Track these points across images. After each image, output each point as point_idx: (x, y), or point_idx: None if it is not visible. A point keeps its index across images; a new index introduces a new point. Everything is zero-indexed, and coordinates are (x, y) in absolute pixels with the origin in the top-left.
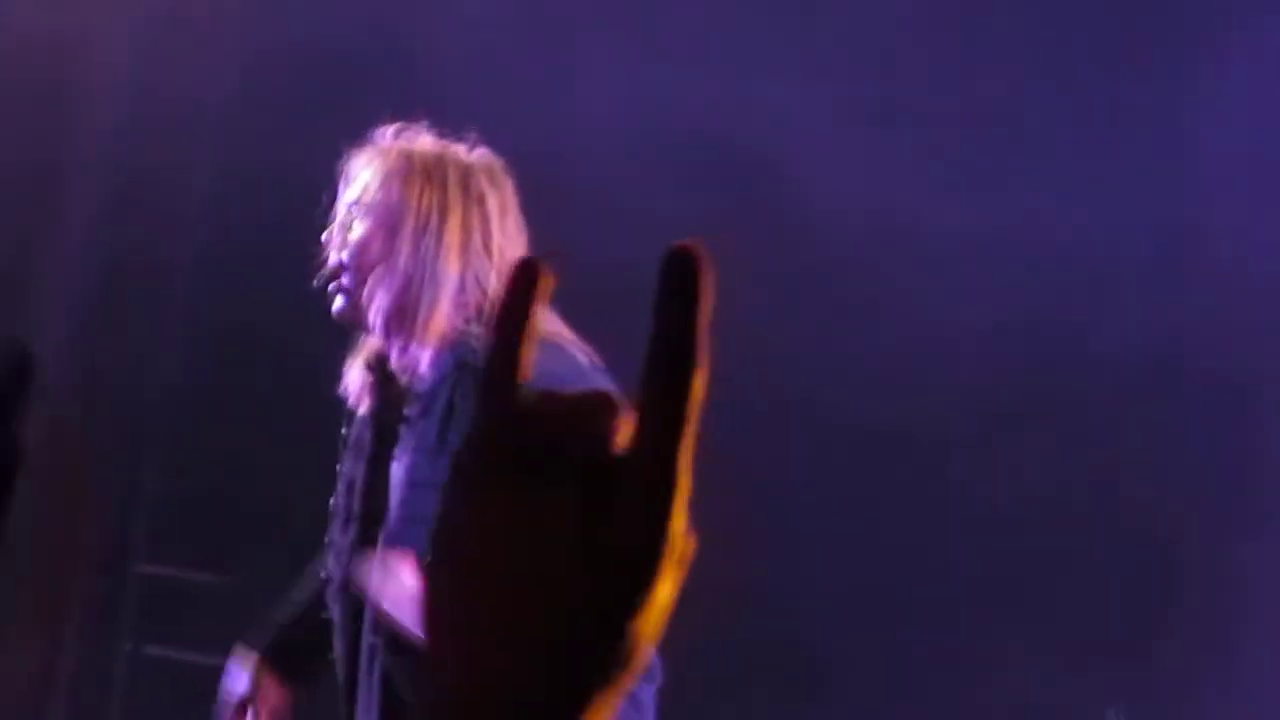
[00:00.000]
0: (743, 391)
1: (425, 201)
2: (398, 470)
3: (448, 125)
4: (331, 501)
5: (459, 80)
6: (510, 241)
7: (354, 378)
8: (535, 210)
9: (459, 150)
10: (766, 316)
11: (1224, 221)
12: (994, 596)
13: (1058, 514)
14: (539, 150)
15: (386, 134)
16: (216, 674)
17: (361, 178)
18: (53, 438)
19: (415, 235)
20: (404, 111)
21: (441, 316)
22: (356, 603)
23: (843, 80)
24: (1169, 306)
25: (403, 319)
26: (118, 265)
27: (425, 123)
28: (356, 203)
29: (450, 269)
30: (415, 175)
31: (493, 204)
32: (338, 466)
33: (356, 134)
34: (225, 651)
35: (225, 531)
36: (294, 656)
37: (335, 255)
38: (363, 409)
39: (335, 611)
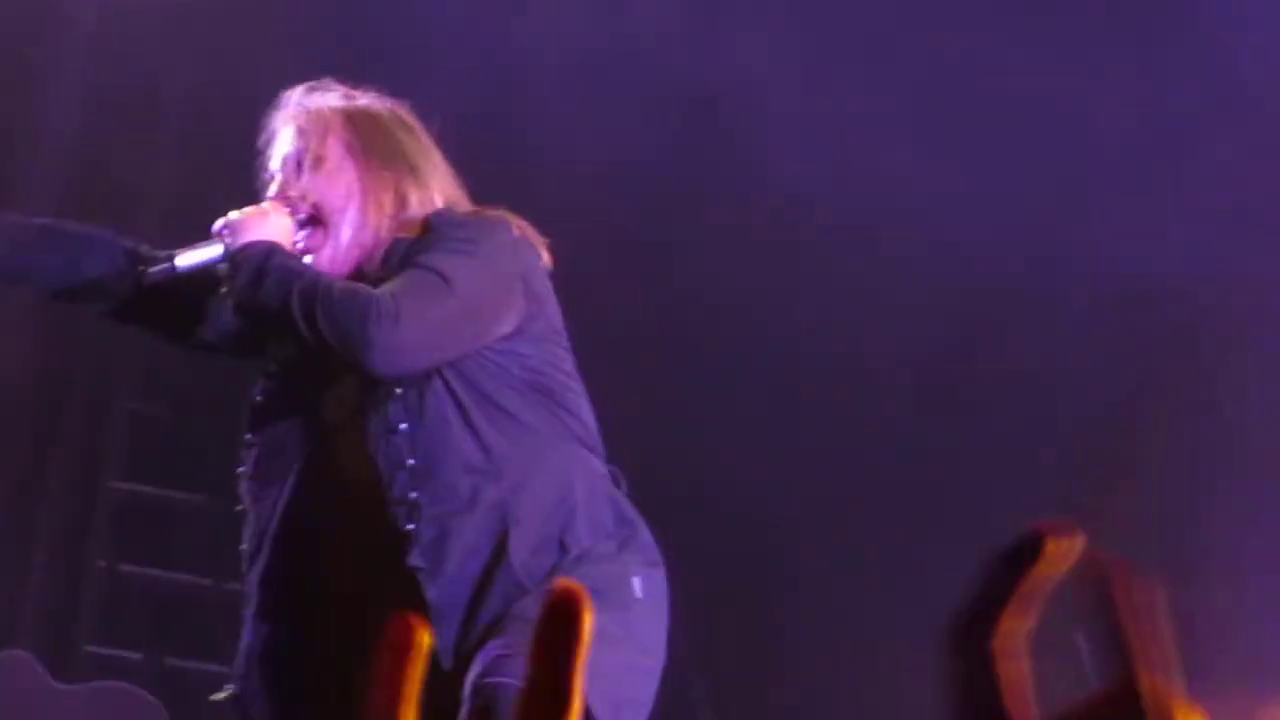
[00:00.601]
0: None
1: (366, 143)
2: None
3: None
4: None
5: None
6: (441, 172)
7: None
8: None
9: (371, 98)
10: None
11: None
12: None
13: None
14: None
15: (298, 93)
16: (194, 592)
17: (291, 136)
18: (26, 355)
19: (364, 176)
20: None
21: (389, 236)
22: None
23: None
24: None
25: (368, 254)
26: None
27: (330, 79)
28: (296, 162)
29: (397, 196)
30: (350, 123)
31: (421, 135)
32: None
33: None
34: (202, 570)
35: (201, 449)
36: None
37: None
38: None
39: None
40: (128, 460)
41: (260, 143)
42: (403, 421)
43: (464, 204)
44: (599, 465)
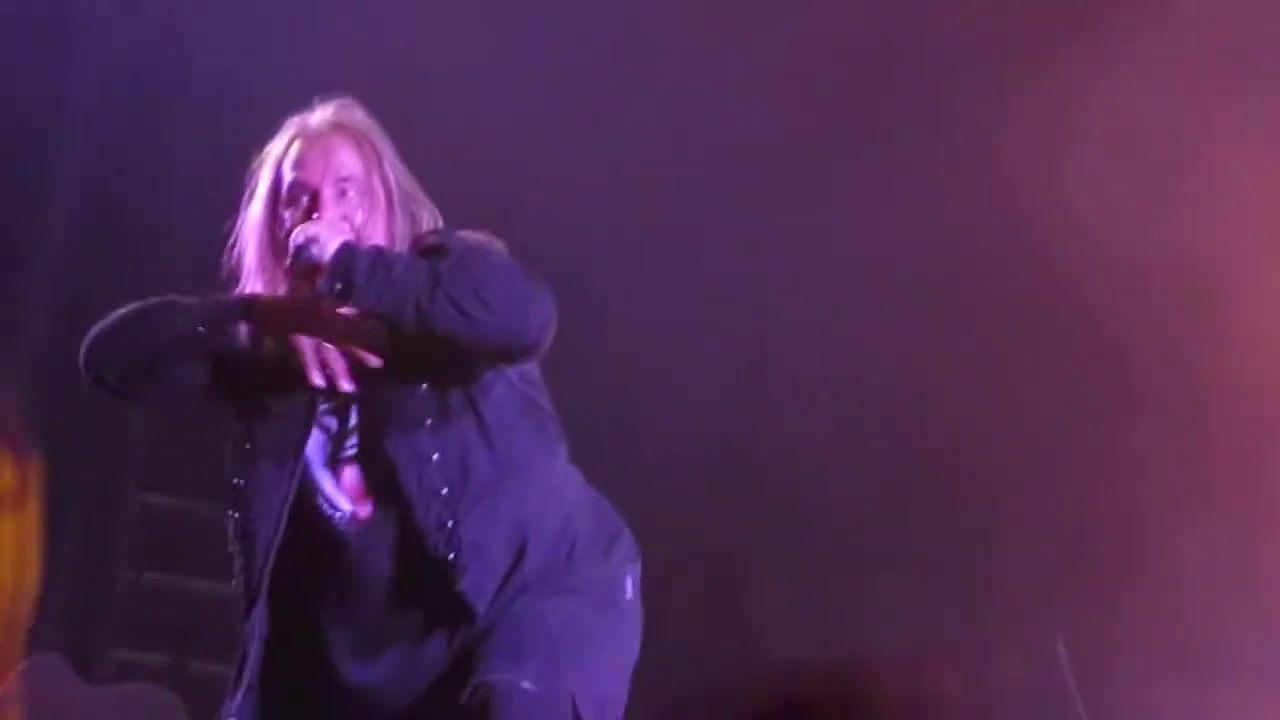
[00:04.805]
0: None
1: (398, 182)
2: None
3: None
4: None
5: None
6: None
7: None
8: None
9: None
10: None
11: None
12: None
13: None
14: None
15: (340, 110)
16: (214, 598)
17: (344, 160)
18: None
19: (390, 213)
20: None
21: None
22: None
23: None
24: None
25: None
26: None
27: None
28: (344, 187)
29: (412, 232)
30: (390, 160)
31: None
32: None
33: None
34: (222, 577)
35: (218, 463)
36: None
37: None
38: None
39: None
40: (147, 473)
41: (289, 146)
42: (434, 451)
43: (440, 223)
44: (569, 465)
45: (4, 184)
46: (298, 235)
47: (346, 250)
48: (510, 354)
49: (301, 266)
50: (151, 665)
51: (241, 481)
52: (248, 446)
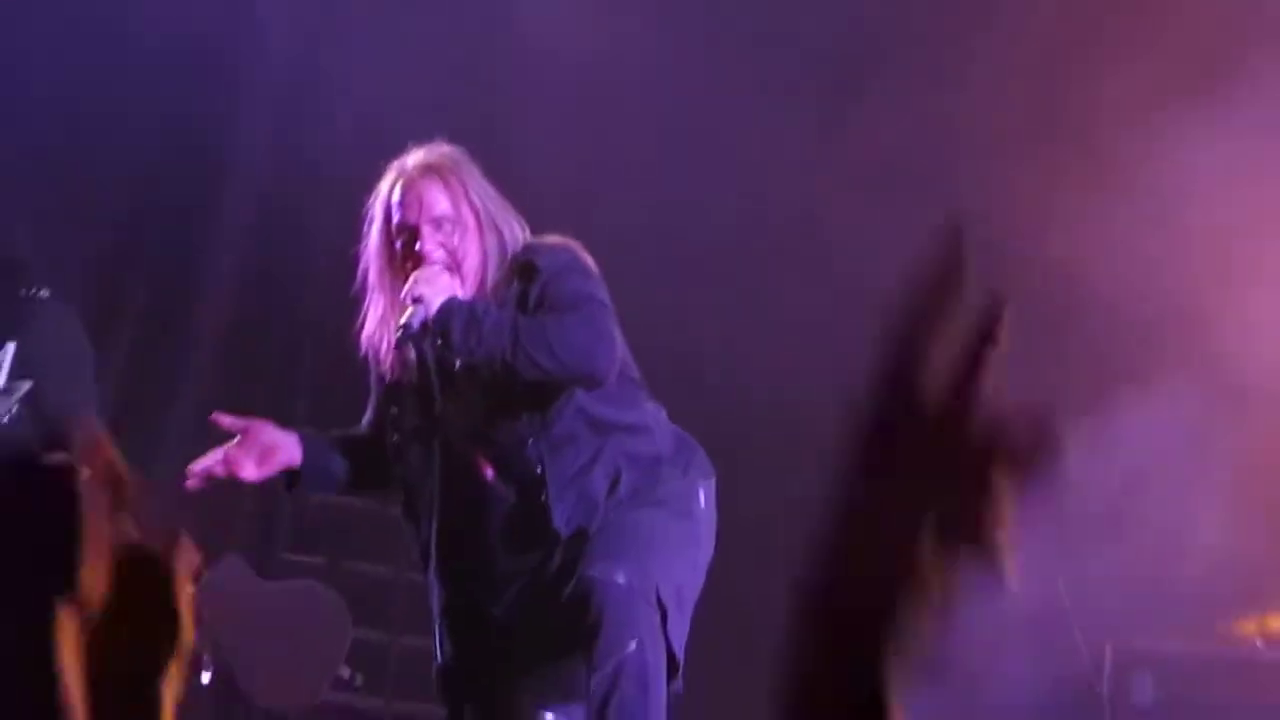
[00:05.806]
0: None
1: (485, 206)
2: None
3: None
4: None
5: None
6: (509, 210)
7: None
8: None
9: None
10: None
11: None
12: None
13: None
14: None
15: (430, 152)
16: (360, 511)
17: (433, 197)
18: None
19: (483, 236)
20: None
21: (494, 275)
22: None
23: None
24: None
25: (482, 293)
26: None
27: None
28: (439, 220)
29: (500, 250)
30: (478, 189)
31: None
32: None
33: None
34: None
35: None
36: (324, 451)
37: (438, 257)
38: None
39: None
40: (313, 417)
41: (391, 188)
42: (530, 436)
43: (526, 231)
44: (654, 405)
45: (174, 247)
46: (406, 294)
47: (445, 312)
48: (582, 387)
49: (409, 335)
50: (313, 565)
51: (396, 437)
52: (395, 410)
